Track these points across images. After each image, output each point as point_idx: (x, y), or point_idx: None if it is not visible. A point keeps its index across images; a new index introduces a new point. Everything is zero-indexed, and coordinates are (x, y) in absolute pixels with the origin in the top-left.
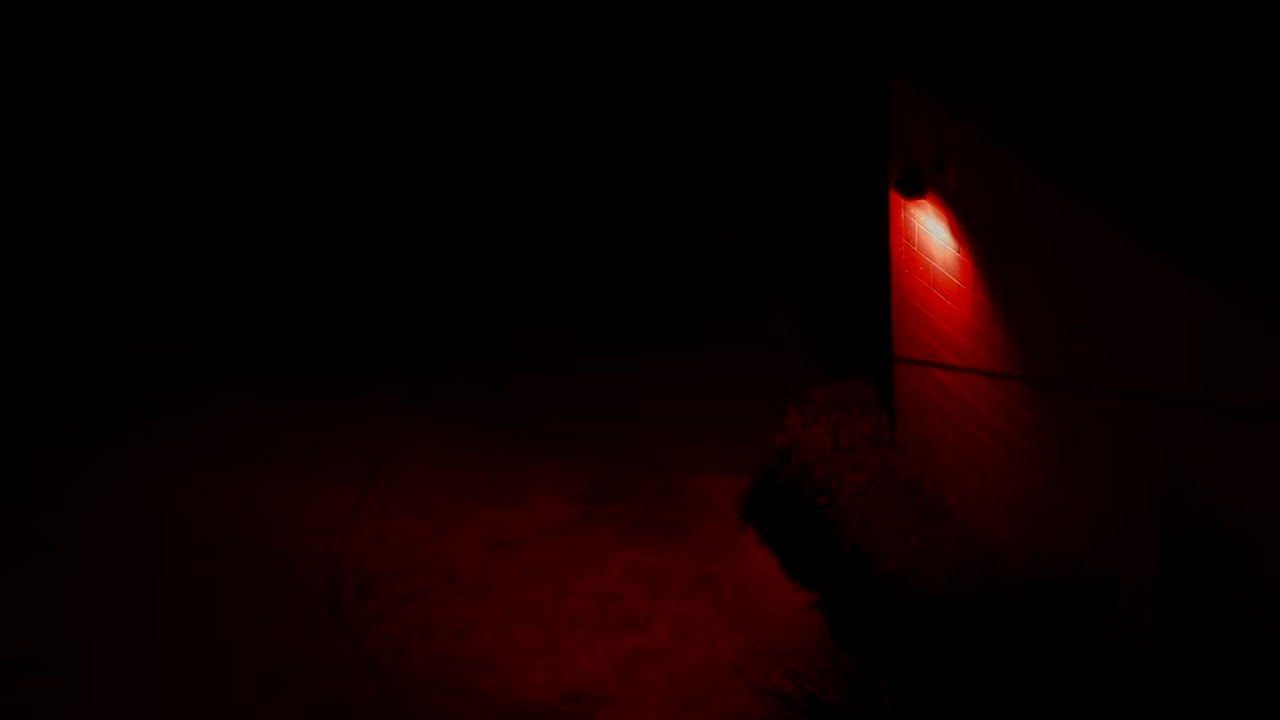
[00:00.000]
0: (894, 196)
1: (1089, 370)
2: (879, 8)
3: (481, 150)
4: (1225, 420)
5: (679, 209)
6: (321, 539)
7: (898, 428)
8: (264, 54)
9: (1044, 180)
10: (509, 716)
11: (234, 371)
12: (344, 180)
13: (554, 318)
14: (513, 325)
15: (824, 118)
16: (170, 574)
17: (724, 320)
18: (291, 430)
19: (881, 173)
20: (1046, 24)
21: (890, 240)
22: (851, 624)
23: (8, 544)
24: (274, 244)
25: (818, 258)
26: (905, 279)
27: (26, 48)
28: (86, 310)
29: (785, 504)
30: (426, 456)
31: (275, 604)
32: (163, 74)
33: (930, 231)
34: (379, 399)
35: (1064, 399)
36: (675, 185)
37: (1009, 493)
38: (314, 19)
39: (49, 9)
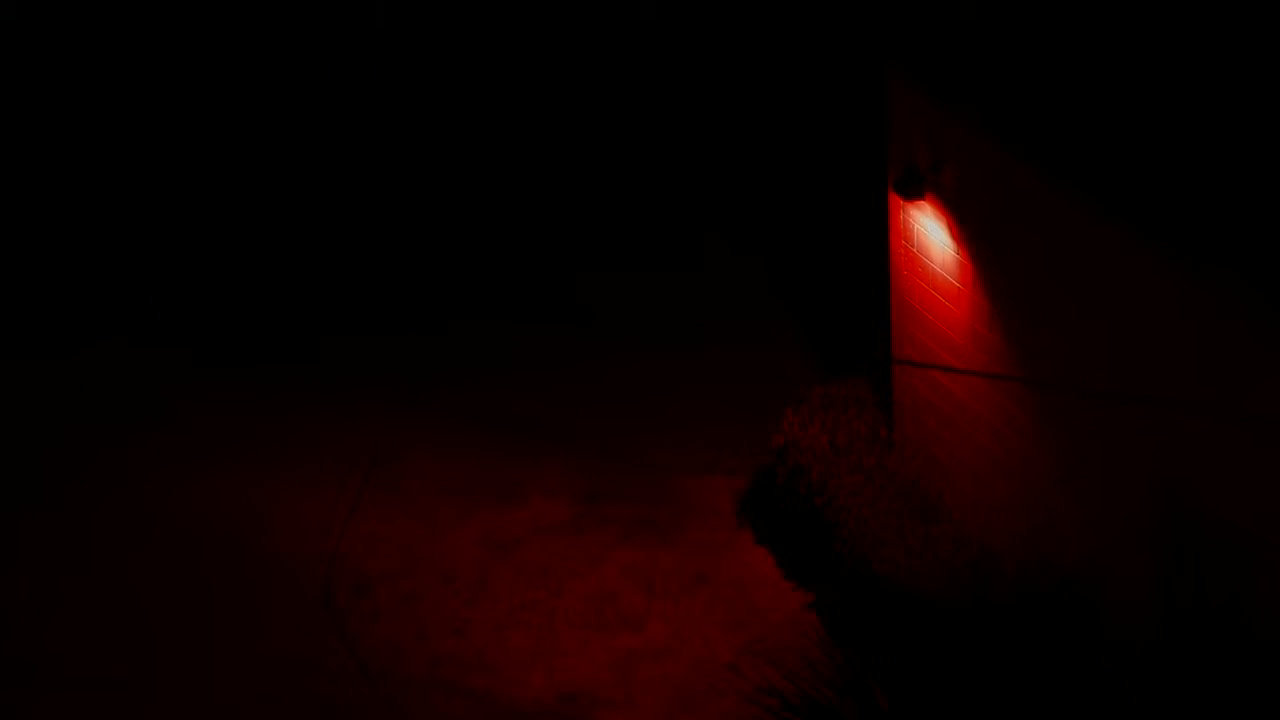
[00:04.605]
0: (893, 198)
1: (1085, 372)
2: (878, 9)
3: (483, 150)
4: (1220, 423)
5: (679, 209)
6: (318, 539)
7: (895, 428)
8: (264, 53)
9: (1041, 182)
10: (506, 717)
11: (233, 371)
12: (346, 180)
13: (554, 317)
14: (513, 325)
15: (825, 118)
16: (167, 574)
17: (723, 320)
18: (290, 430)
19: (881, 174)
20: (1044, 26)
21: (889, 241)
22: (847, 624)
23: (6, 543)
24: (274, 243)
25: (817, 258)
26: (904, 280)
27: (30, 48)
28: (85, 309)
29: (782, 504)
30: (424, 457)
31: (272, 604)
32: (162, 73)
33: (929, 233)
34: (378, 398)
35: (1060, 400)
36: (675, 186)
37: (1005, 493)
38: (314, 18)
39: (51, 8)
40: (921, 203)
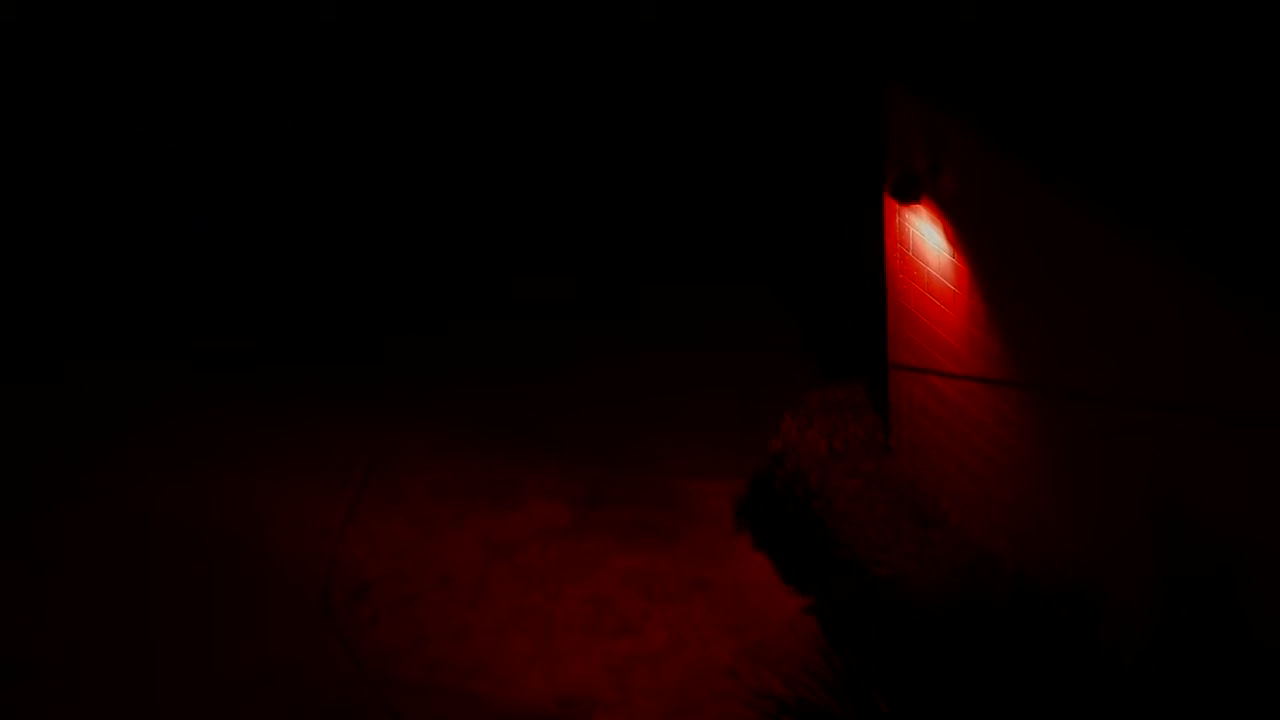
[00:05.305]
0: (889, 202)
1: (1083, 375)
2: (876, 11)
3: (480, 150)
4: (1218, 427)
5: (678, 210)
6: (316, 542)
7: (892, 432)
8: (264, 53)
9: (1038, 185)
10: None
11: (232, 371)
12: (343, 180)
13: (552, 318)
14: (512, 325)
15: (824, 120)
16: (165, 575)
17: (722, 321)
18: (289, 432)
19: (879, 177)
20: (1044, 27)
21: (885, 245)
22: (846, 628)
23: (6, 544)
24: (272, 243)
25: (817, 261)
26: (900, 284)
27: (30, 48)
28: (83, 308)
29: (780, 509)
30: (422, 459)
31: (270, 607)
32: (162, 73)
33: (925, 237)
34: (377, 400)
35: (1058, 404)
36: (675, 186)
37: (1003, 497)
38: (314, 18)
39: (51, 8)
40: (918, 207)
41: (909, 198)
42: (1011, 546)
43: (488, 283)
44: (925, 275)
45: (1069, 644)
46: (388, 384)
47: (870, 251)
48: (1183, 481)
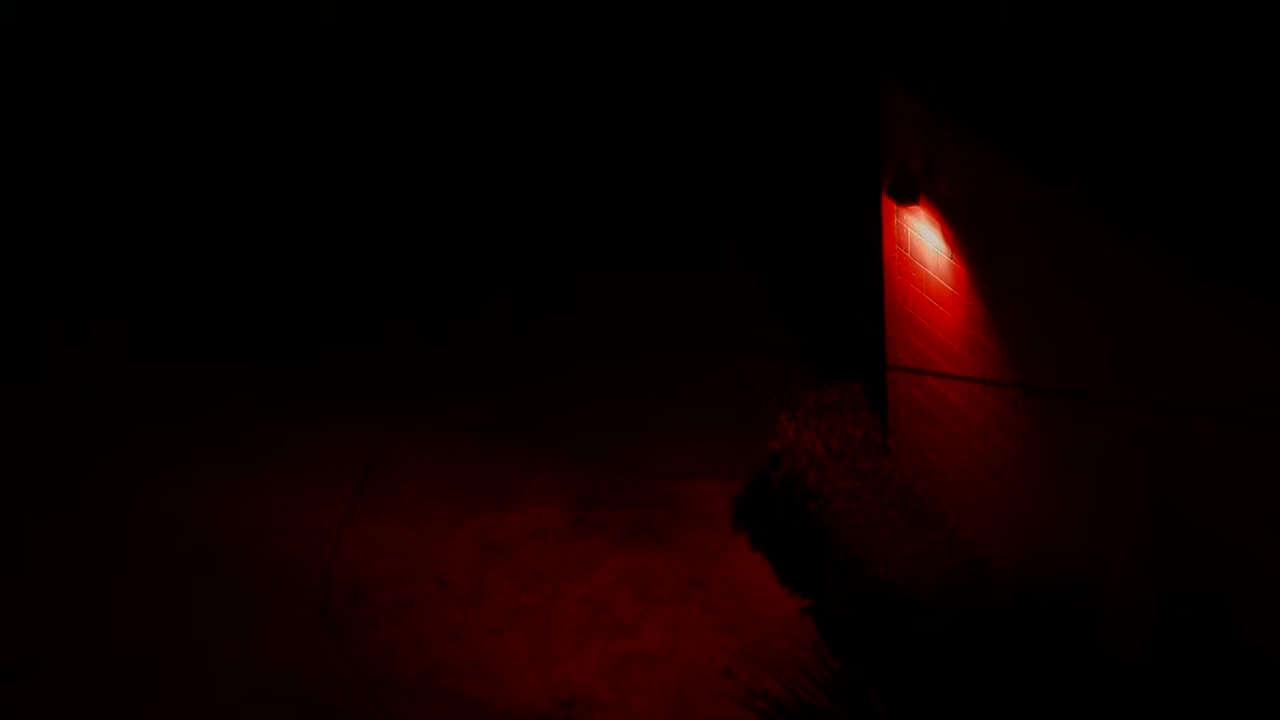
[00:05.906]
0: (886, 203)
1: (1079, 376)
2: (873, 13)
3: (480, 151)
4: (1213, 427)
5: (677, 212)
6: (315, 545)
7: (890, 433)
8: (265, 53)
9: (1035, 187)
10: None
11: (232, 374)
12: (344, 183)
13: (552, 318)
14: (511, 324)
15: (823, 121)
16: (164, 578)
17: (721, 322)
18: (287, 435)
19: (878, 179)
20: (1037, 28)
21: (883, 246)
22: (843, 629)
23: (6, 545)
24: (272, 245)
25: (815, 262)
26: (898, 285)
27: (31, 48)
28: (85, 310)
29: (777, 509)
30: (420, 462)
31: (268, 610)
32: (163, 73)
33: (923, 238)
34: (375, 401)
35: (1054, 404)
36: (674, 188)
37: (999, 497)
38: (314, 18)
39: (51, 8)
40: (916, 208)
41: (906, 199)
42: (1008, 547)
43: (487, 283)
44: (923, 277)
45: (1066, 644)
46: (387, 385)
47: (869, 253)
48: (1178, 482)
